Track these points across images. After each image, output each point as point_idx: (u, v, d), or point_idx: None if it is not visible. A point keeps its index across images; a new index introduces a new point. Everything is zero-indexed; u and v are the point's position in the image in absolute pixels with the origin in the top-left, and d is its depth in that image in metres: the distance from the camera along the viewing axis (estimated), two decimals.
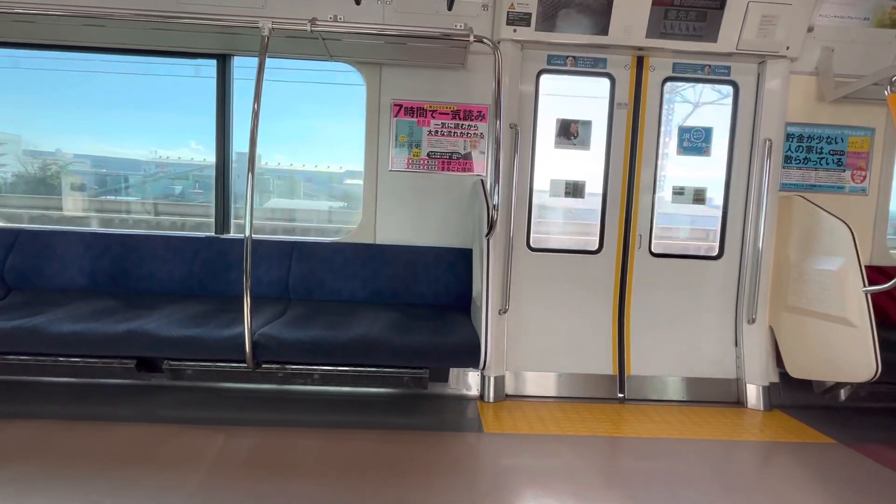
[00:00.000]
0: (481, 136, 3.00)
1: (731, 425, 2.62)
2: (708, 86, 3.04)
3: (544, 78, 2.95)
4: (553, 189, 3.04)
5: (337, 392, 2.74)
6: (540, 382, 2.94)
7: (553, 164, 3.04)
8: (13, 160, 4.29)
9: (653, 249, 3.04)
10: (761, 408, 2.86)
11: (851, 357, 2.42)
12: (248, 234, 2.09)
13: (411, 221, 3.04)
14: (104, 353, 2.26)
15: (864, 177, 3.13)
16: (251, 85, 2.15)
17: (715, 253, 3.08)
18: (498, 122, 2.32)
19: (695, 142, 3.04)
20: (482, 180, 2.90)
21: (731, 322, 3.05)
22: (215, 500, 1.74)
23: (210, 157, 3.17)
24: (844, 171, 3.12)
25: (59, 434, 2.14)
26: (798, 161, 3.09)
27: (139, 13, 2.29)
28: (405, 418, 2.52)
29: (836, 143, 3.09)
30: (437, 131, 2.99)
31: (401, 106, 2.98)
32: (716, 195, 3.07)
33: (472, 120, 2.99)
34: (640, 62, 2.95)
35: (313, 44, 2.61)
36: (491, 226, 2.37)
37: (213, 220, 3.17)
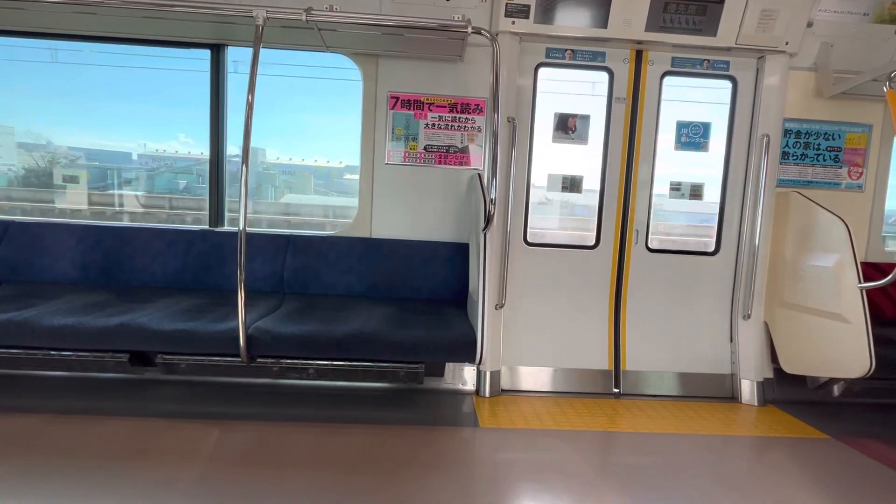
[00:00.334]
0: (479, 129, 2.98)
1: (725, 420, 2.64)
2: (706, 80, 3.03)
3: (542, 71, 2.93)
4: (550, 184, 3.03)
5: (332, 386, 2.73)
6: (536, 377, 2.94)
7: (551, 158, 3.02)
8: (9, 152, 4.23)
9: (649, 245, 3.04)
10: (755, 403, 2.88)
11: (846, 353, 2.43)
12: (242, 227, 2.07)
13: (408, 215, 3.02)
14: (96, 346, 2.24)
15: (861, 173, 3.13)
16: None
17: (711, 249, 3.08)
18: (496, 115, 2.29)
19: (693, 137, 3.03)
20: (479, 174, 2.88)
21: (727, 318, 3.06)
22: (209, 495, 1.73)
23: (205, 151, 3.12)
24: (841, 167, 3.12)
25: (50, 428, 2.12)
26: (795, 157, 3.09)
27: (130, 0, 2.25)
28: (401, 413, 2.51)
29: (834, 139, 3.09)
30: (434, 124, 2.96)
31: (397, 98, 2.95)
32: (713, 191, 3.07)
33: (469, 113, 2.96)
34: (638, 56, 2.93)
35: (309, 34, 2.57)
36: (488, 220, 2.36)
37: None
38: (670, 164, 3.06)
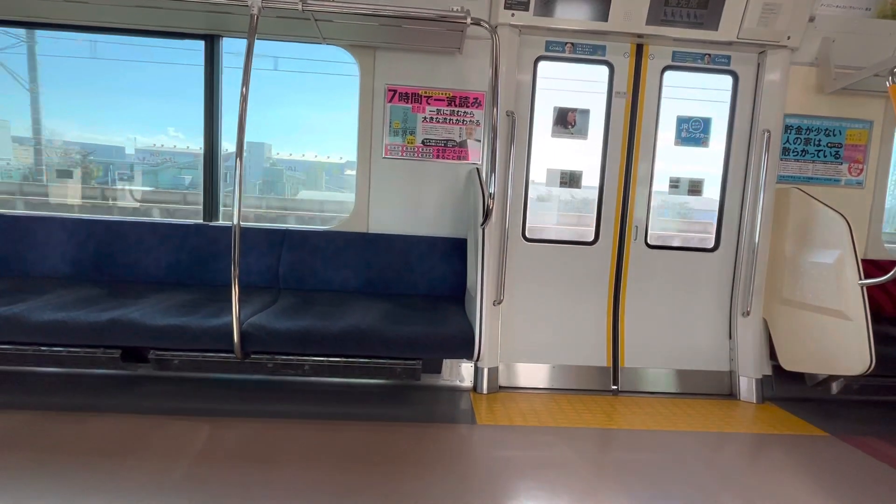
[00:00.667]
0: (477, 123, 2.94)
1: (723, 417, 2.63)
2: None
3: (542, 65, 2.89)
4: (549, 179, 3.00)
5: (328, 383, 2.70)
6: (534, 374, 2.92)
7: (550, 153, 2.99)
8: (4, 146, 4.17)
9: (649, 241, 3.02)
10: (754, 400, 2.87)
11: (846, 350, 2.42)
12: (236, 221, 2.03)
13: (405, 210, 2.99)
14: (88, 342, 2.20)
15: (861, 170, 3.11)
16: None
17: (711, 245, 3.06)
18: (495, 109, 2.26)
19: (693, 132, 3.00)
20: (478, 169, 2.85)
21: (726, 314, 3.05)
22: (202, 492, 1.70)
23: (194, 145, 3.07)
24: (842, 163, 3.10)
25: (41, 426, 2.09)
26: (796, 153, 3.07)
27: None
28: (397, 409, 2.49)
29: (834, 135, 3.07)
30: (432, 118, 2.93)
31: (395, 91, 2.91)
32: (713, 187, 3.05)
33: (468, 107, 2.93)
34: (639, 50, 2.90)
35: (305, 25, 2.53)
36: (486, 215, 2.33)
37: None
38: (670, 160, 3.03)
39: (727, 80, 2.97)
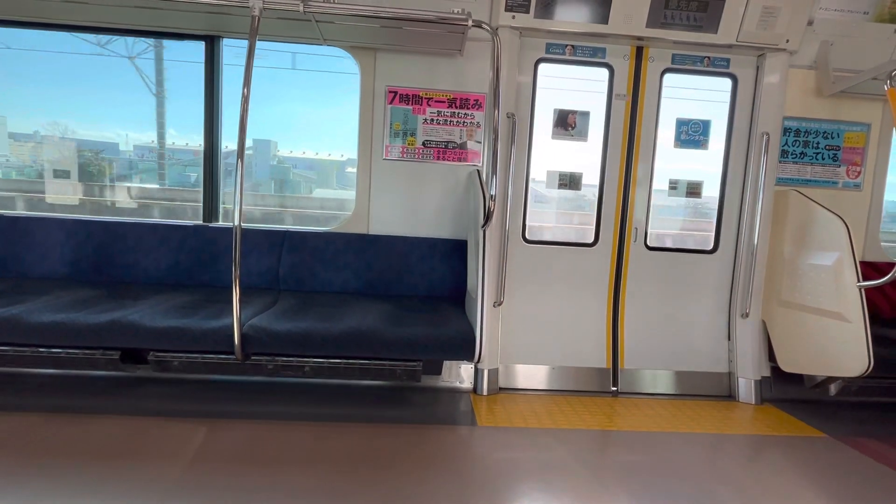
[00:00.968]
0: (478, 125, 2.95)
1: (722, 419, 2.63)
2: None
3: (542, 67, 2.90)
4: (549, 180, 3.01)
5: (328, 384, 2.70)
6: (534, 375, 2.92)
7: (550, 154, 3.00)
8: (1, 142, 4.15)
9: (648, 243, 3.03)
10: (752, 401, 2.88)
11: (844, 352, 2.43)
12: (237, 222, 2.03)
13: (405, 211, 2.99)
14: (87, 343, 2.19)
15: (859, 172, 3.13)
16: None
17: (710, 247, 3.07)
18: (495, 111, 2.26)
19: (692, 135, 3.01)
20: (478, 170, 2.85)
21: (725, 316, 3.06)
22: (202, 494, 1.69)
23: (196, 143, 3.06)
24: (839, 166, 3.12)
25: (40, 428, 2.08)
26: (794, 156, 3.09)
27: None
28: (398, 411, 2.49)
29: (832, 137, 3.09)
30: (432, 119, 2.93)
31: (396, 93, 2.91)
32: (712, 189, 3.06)
33: (468, 108, 2.93)
34: (639, 53, 2.91)
35: (306, 26, 2.53)
36: (487, 217, 2.33)
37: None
38: (670, 161, 3.04)
39: (726, 83, 2.98)
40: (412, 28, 2.46)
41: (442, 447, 2.13)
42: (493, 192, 2.33)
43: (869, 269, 2.92)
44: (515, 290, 2.94)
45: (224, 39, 2.96)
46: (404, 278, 2.91)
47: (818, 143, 3.09)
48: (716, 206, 3.06)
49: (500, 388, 2.86)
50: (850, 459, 2.24)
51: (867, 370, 2.33)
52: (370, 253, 2.92)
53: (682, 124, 3.01)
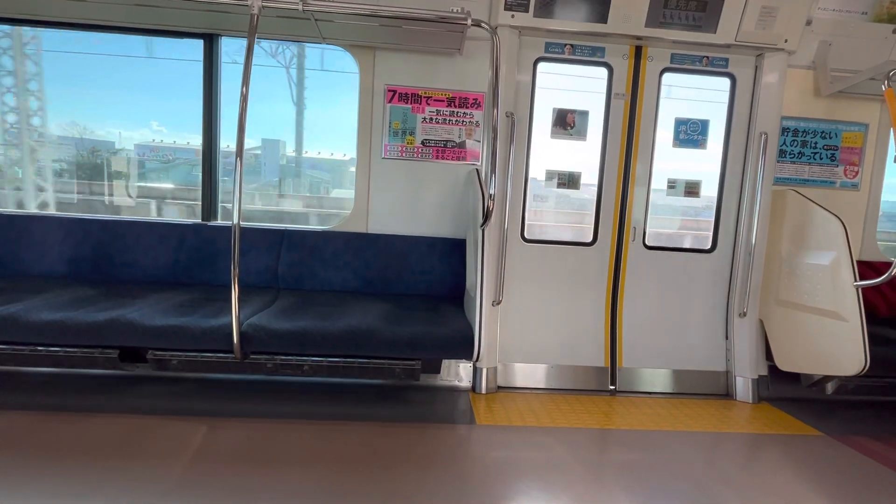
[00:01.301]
0: (477, 124, 2.95)
1: (720, 417, 2.65)
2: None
3: (542, 66, 2.90)
4: (548, 180, 3.01)
5: (327, 383, 2.70)
6: (532, 374, 2.93)
7: (549, 154, 3.00)
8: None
9: (647, 242, 3.03)
10: (750, 400, 2.89)
11: (841, 351, 2.44)
12: (235, 221, 2.02)
13: (404, 210, 2.99)
14: (86, 342, 2.19)
15: (857, 172, 3.14)
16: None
17: (708, 246, 3.08)
18: (495, 110, 2.26)
19: (691, 134, 3.02)
20: (477, 169, 2.85)
21: (723, 315, 3.07)
22: (201, 493, 1.70)
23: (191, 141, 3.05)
24: (837, 166, 3.13)
25: (39, 426, 2.08)
26: (792, 155, 3.10)
27: None
28: (396, 410, 2.49)
29: (830, 137, 3.10)
30: (431, 118, 2.93)
31: (395, 92, 2.91)
32: (710, 189, 3.07)
33: (467, 108, 2.93)
34: (638, 52, 2.92)
35: (305, 24, 2.52)
36: (486, 216, 2.33)
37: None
38: (668, 161, 3.05)
39: (725, 83, 2.99)
40: (411, 27, 2.46)
41: (440, 446, 2.14)
42: (491, 192, 2.33)
43: (866, 268, 2.93)
44: (514, 289, 2.94)
45: (223, 38, 2.95)
46: (403, 277, 2.91)
47: (816, 142, 3.10)
48: (711, 205, 3.07)
49: (499, 387, 2.87)
50: (846, 458, 2.25)
51: (863, 369, 2.34)
52: (369, 252, 2.92)
53: (680, 124, 3.01)
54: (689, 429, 2.47)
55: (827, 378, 2.66)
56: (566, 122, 2.96)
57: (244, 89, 2.01)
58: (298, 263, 2.88)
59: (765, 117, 2.88)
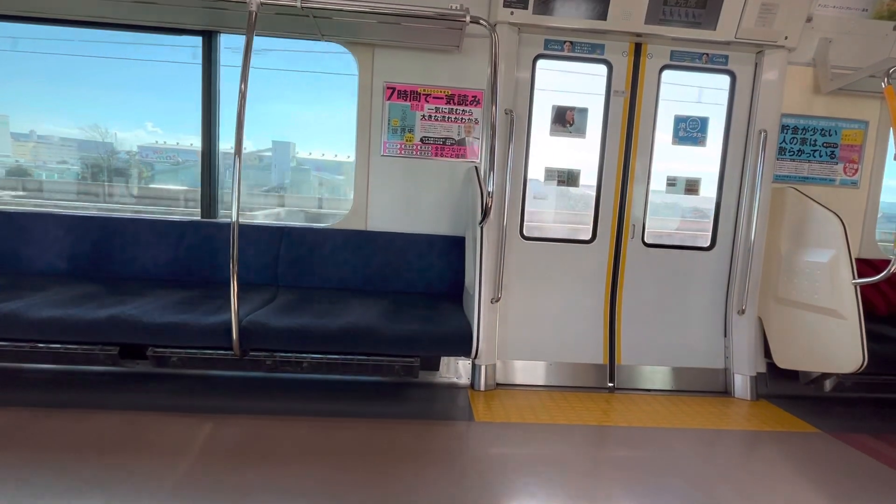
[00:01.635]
0: (476, 121, 2.95)
1: (718, 414, 2.65)
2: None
3: (541, 63, 2.89)
4: (547, 177, 3.01)
5: (326, 380, 2.71)
6: (531, 371, 2.94)
7: (549, 151, 3.00)
8: (3, 142, 4.14)
9: (646, 239, 3.03)
10: (748, 397, 2.90)
11: (839, 348, 2.45)
12: (234, 218, 2.03)
13: (404, 208, 2.99)
14: (86, 339, 2.20)
15: (856, 170, 3.14)
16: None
17: (707, 243, 3.08)
18: (494, 107, 2.26)
19: (690, 132, 3.01)
20: (476, 167, 2.85)
21: (721, 313, 3.07)
22: (200, 490, 1.71)
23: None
24: (837, 163, 3.13)
25: (38, 422, 2.09)
26: (792, 153, 3.09)
27: None
28: (395, 407, 2.50)
29: (830, 135, 3.10)
30: (430, 116, 2.93)
31: (394, 89, 2.90)
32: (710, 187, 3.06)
33: (466, 105, 2.93)
34: (637, 49, 2.91)
35: (304, 22, 2.52)
36: (485, 213, 2.34)
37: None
38: (668, 158, 3.04)
39: (725, 80, 2.98)
40: (410, 24, 2.46)
41: (439, 442, 2.15)
42: (490, 189, 2.33)
43: (865, 266, 2.93)
44: (513, 287, 2.95)
45: (222, 36, 2.95)
46: (402, 275, 2.92)
47: (816, 140, 3.09)
48: (708, 203, 3.07)
49: (498, 384, 2.87)
50: (843, 455, 2.26)
51: (861, 366, 2.35)
52: (368, 249, 2.92)
53: (680, 121, 3.01)
54: (688, 426, 2.48)
55: (825, 375, 2.67)
56: (565, 120, 2.96)
57: (243, 86, 2.01)
58: (298, 261, 2.89)
59: (764, 114, 2.88)
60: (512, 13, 2.67)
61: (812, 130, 3.08)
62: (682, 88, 3.06)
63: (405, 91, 2.91)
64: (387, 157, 2.95)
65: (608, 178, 2.98)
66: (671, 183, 3.04)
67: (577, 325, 3.00)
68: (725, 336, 3.05)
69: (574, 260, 3.01)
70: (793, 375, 2.85)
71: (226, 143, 3.09)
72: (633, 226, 3.01)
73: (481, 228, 2.37)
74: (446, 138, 2.95)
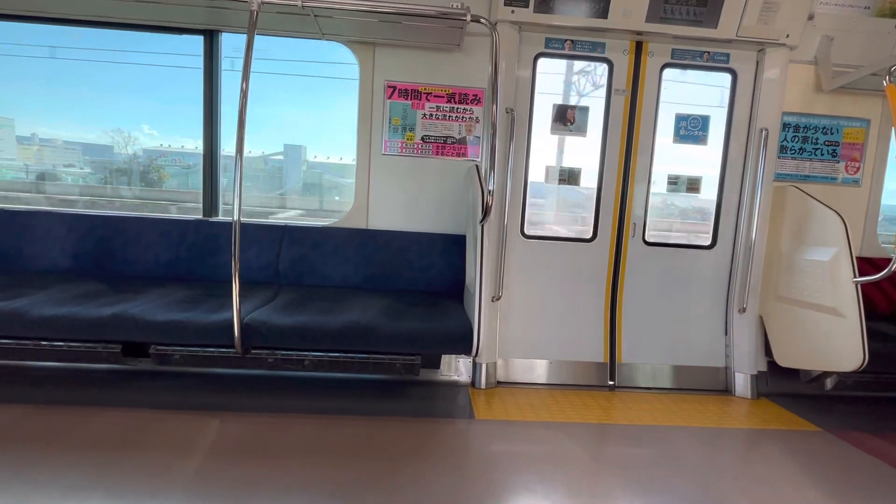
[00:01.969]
0: (476, 120, 2.95)
1: (719, 413, 2.65)
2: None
3: (542, 62, 2.89)
4: (548, 176, 3.01)
5: (327, 378, 2.72)
6: (531, 369, 2.94)
7: (549, 150, 3.00)
8: (9, 146, 4.16)
9: (646, 238, 3.03)
10: (749, 396, 2.90)
11: (840, 347, 2.45)
12: (236, 217, 2.04)
13: (404, 207, 3.00)
14: (89, 337, 2.21)
15: (858, 168, 3.13)
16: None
17: (708, 242, 3.08)
18: (494, 106, 2.27)
19: (691, 130, 3.01)
20: (477, 166, 2.86)
21: (722, 311, 3.07)
22: (203, 487, 1.72)
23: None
24: (838, 162, 3.12)
25: (41, 420, 2.10)
26: (793, 151, 3.09)
27: None
28: (396, 405, 2.51)
29: (832, 133, 3.09)
30: (431, 115, 2.93)
31: (395, 88, 2.91)
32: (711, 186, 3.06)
33: (467, 104, 2.93)
34: (638, 48, 2.91)
35: (305, 21, 2.53)
36: (485, 212, 2.34)
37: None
38: (669, 157, 3.04)
39: (726, 78, 2.98)
40: (411, 22, 2.46)
41: (440, 440, 2.16)
42: (491, 188, 2.34)
43: (866, 264, 2.93)
44: (514, 285, 2.95)
45: (223, 34, 2.96)
46: (403, 273, 2.93)
47: (817, 138, 3.09)
48: (707, 203, 3.07)
49: (499, 382, 2.88)
50: (844, 453, 2.26)
51: (862, 365, 2.35)
52: (369, 248, 2.93)
53: (681, 119, 3.00)
54: (688, 424, 2.49)
55: (826, 374, 2.67)
56: (566, 118, 2.96)
57: (244, 85, 2.02)
58: (299, 259, 2.90)
59: (766, 113, 2.87)
60: (513, 11, 2.67)
61: (813, 129, 3.08)
62: (684, 87, 3.06)
63: (406, 90, 2.91)
64: (388, 156, 2.95)
65: (609, 176, 2.98)
66: (673, 182, 3.04)
67: (578, 324, 3.01)
68: (726, 334, 3.05)
69: (575, 258, 3.01)
70: (793, 374, 2.85)
71: (228, 145, 3.10)
72: (634, 224, 3.01)
73: (482, 227, 2.38)
74: (447, 137, 2.95)
